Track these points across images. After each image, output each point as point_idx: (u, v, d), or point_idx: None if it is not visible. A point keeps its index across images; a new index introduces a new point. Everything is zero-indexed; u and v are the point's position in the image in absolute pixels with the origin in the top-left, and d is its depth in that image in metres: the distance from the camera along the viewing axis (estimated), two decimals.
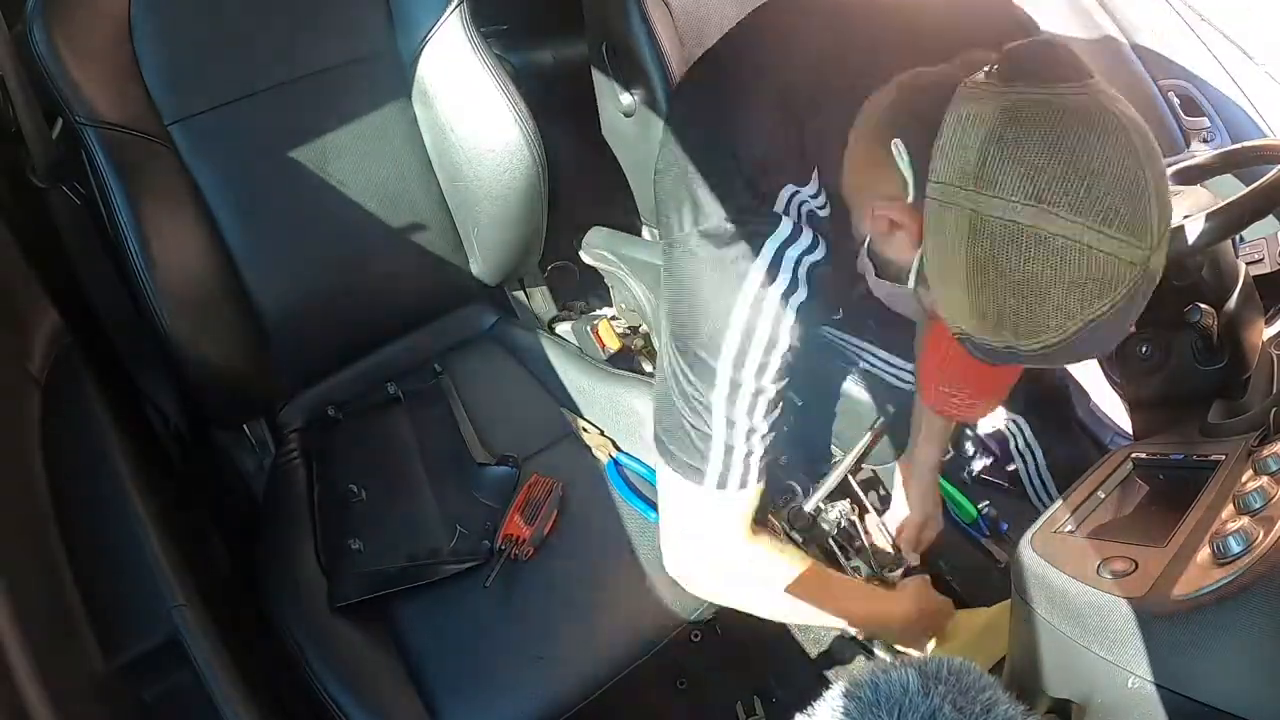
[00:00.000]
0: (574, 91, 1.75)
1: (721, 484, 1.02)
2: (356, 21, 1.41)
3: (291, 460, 1.42)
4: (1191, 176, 1.20)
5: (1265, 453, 0.81)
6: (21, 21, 1.20)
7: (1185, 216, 1.02)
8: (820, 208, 0.95)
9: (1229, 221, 0.98)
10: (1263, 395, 1.05)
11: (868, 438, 1.36)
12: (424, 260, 1.51)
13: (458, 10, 1.39)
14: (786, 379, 0.99)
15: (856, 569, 1.40)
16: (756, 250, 0.93)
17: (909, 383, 1.43)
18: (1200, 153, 1.63)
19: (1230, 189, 1.07)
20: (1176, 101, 1.71)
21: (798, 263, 0.94)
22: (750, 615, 1.19)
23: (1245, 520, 0.73)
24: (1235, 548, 0.70)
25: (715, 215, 0.95)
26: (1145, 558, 0.78)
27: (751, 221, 0.94)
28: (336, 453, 1.43)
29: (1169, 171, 1.20)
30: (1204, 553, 0.73)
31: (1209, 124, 1.68)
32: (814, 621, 1.21)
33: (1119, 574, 0.78)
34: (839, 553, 1.40)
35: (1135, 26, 1.75)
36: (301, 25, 1.38)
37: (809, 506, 1.39)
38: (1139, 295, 0.72)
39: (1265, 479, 0.77)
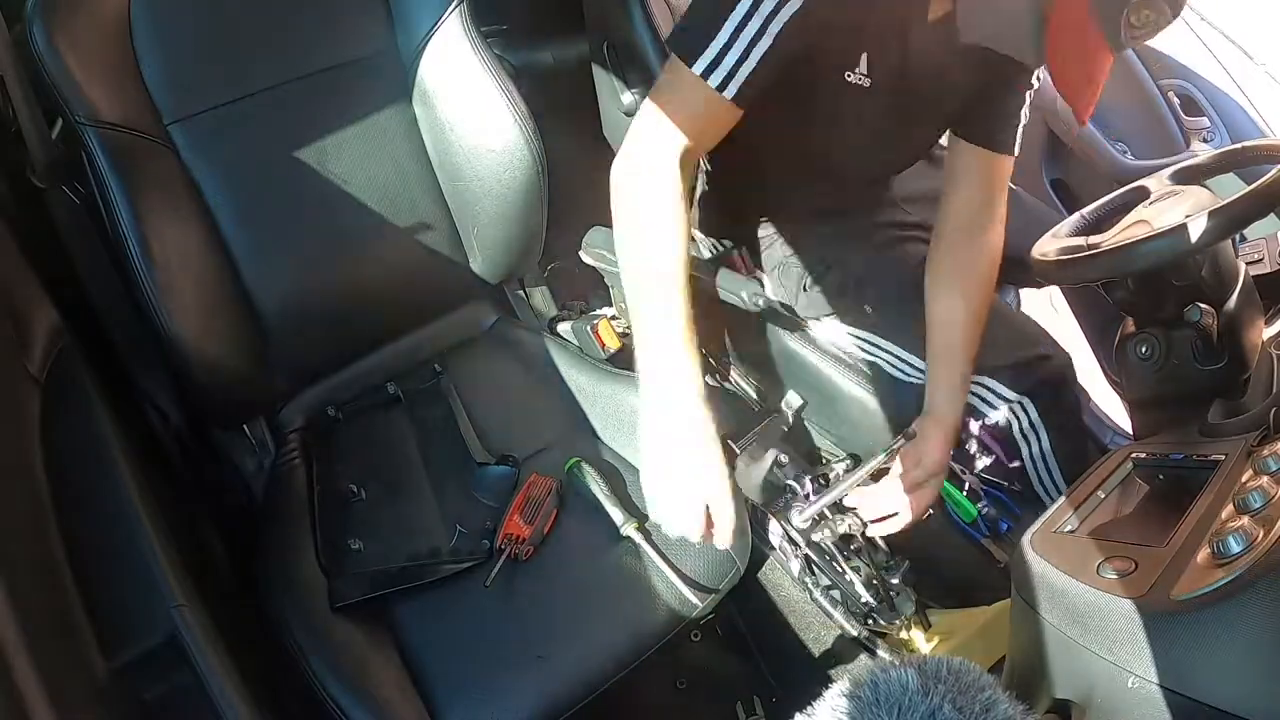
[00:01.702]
0: (574, 91, 1.75)
1: (708, 71, 1.08)
2: (356, 22, 1.41)
3: (291, 460, 1.42)
4: (1191, 176, 1.20)
5: (1265, 452, 0.81)
6: (21, 21, 1.20)
7: (1186, 216, 1.02)
8: None
9: (1229, 220, 0.98)
10: (1262, 395, 1.06)
11: (883, 456, 1.35)
12: (424, 260, 1.51)
13: (458, 10, 1.39)
14: (805, 22, 1.05)
15: (856, 569, 1.40)
16: None
17: (909, 375, 1.44)
18: (1200, 153, 1.63)
19: (1231, 188, 1.07)
20: (1176, 101, 1.72)
21: None
22: (749, 615, 1.18)
23: (1245, 520, 0.73)
24: (1235, 547, 0.70)
25: None
26: (1145, 557, 0.78)
27: None
28: (336, 453, 1.43)
29: (1169, 171, 1.21)
30: (1204, 552, 0.73)
31: (1209, 124, 1.68)
32: (640, 285, 1.12)
33: (1119, 574, 0.78)
34: (838, 555, 1.40)
35: None
36: (302, 25, 1.38)
37: (812, 511, 1.39)
38: None
39: (1265, 479, 0.77)
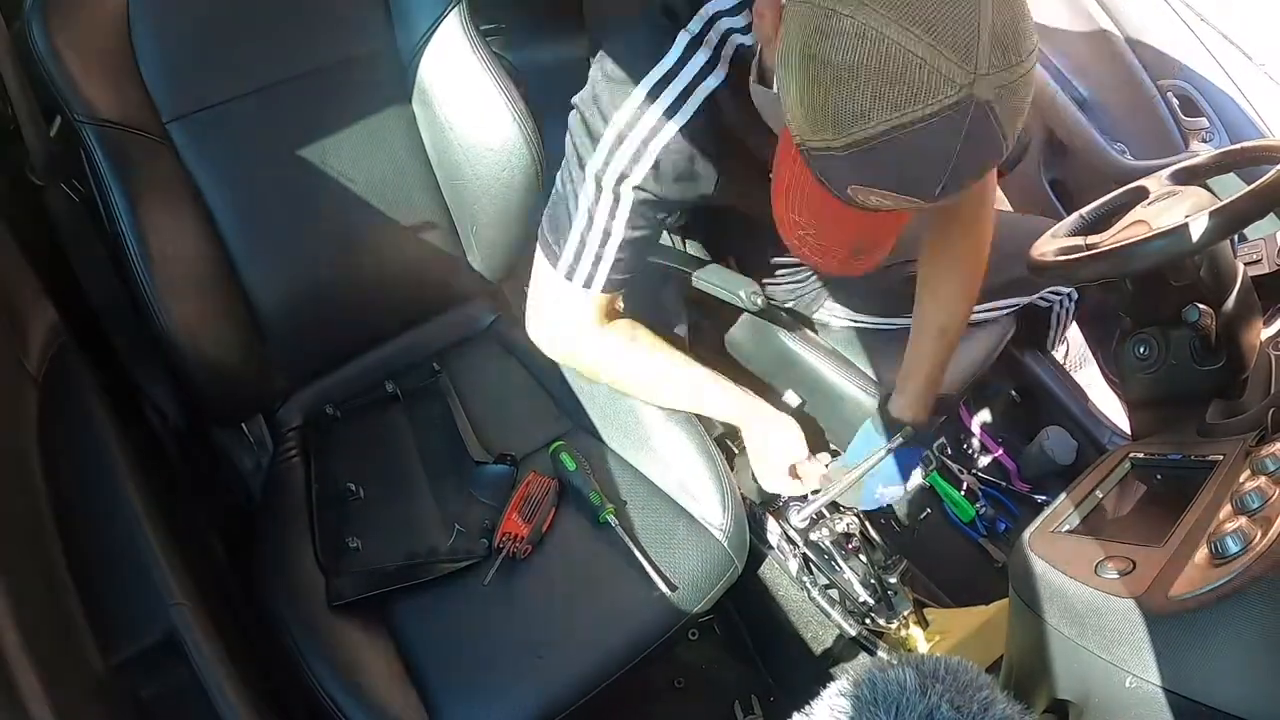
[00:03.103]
0: (573, 90, 1.74)
1: (569, 275, 1.12)
2: (355, 20, 1.41)
3: (290, 459, 1.42)
4: (1190, 176, 1.20)
5: (1263, 453, 0.81)
6: (20, 19, 1.20)
7: (1185, 216, 1.02)
8: (744, 31, 0.98)
9: (1229, 221, 0.98)
10: (1260, 395, 1.06)
11: (880, 455, 1.35)
12: (422, 258, 1.51)
13: (456, 9, 1.39)
14: (655, 208, 1.06)
15: (854, 568, 1.40)
16: (649, 66, 0.98)
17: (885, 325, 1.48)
18: (1199, 153, 1.63)
19: (1231, 188, 1.07)
20: (1176, 102, 1.72)
21: (692, 84, 0.98)
22: (747, 614, 1.19)
23: (1243, 520, 0.73)
24: (1233, 548, 0.70)
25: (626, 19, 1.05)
26: (1143, 557, 0.78)
27: (653, 32, 0.99)
28: (335, 451, 1.42)
29: (1168, 171, 1.21)
30: (1202, 552, 0.74)
31: (1208, 124, 1.68)
32: (674, 404, 1.31)
33: (1117, 573, 0.78)
34: (835, 554, 1.40)
35: (1134, 26, 1.75)
36: (301, 23, 1.38)
37: (810, 510, 1.39)
38: (965, 127, 0.70)
39: (1263, 479, 0.77)
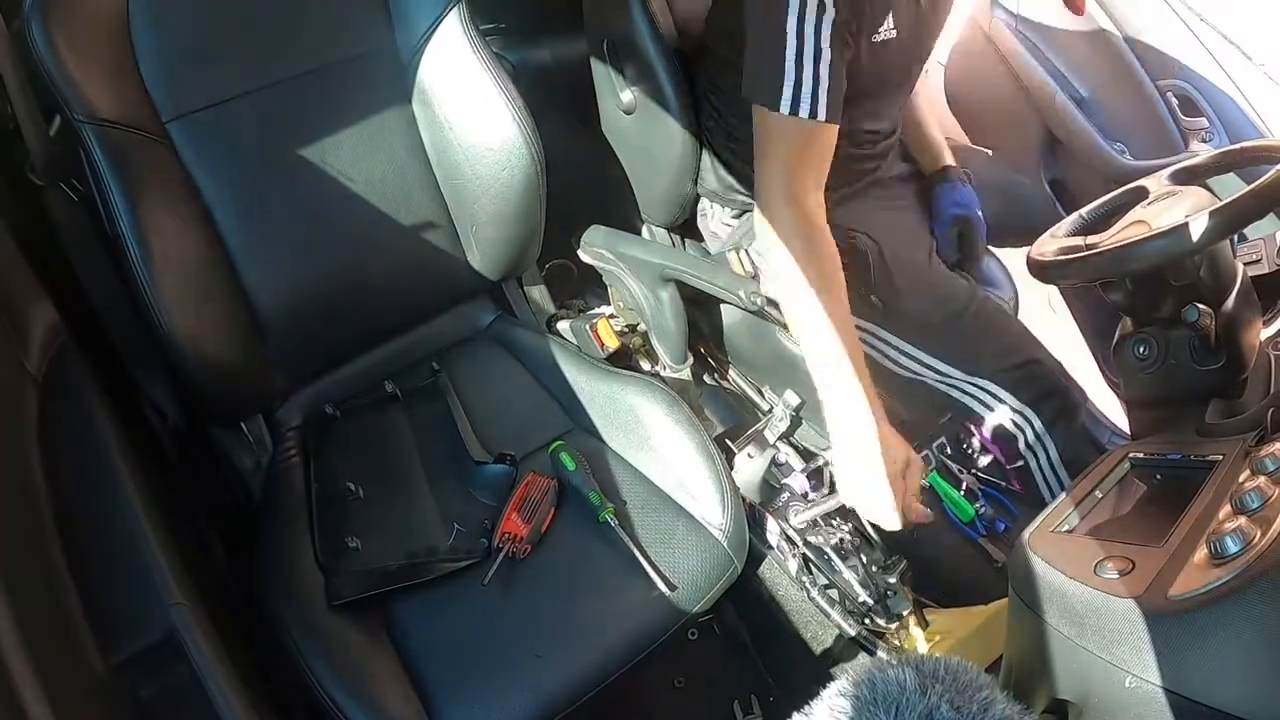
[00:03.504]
0: (573, 90, 1.75)
1: (794, 107, 1.20)
2: (355, 20, 1.41)
3: (289, 458, 1.42)
4: (1190, 176, 1.20)
5: (1263, 453, 0.81)
6: (20, 19, 1.20)
7: (1185, 216, 1.02)
8: None
9: (1228, 221, 0.98)
10: (1260, 395, 1.06)
11: None
12: (422, 258, 1.51)
13: (456, 9, 1.39)
14: (847, 22, 1.20)
15: (854, 568, 1.40)
16: None
17: (903, 368, 1.45)
18: (1199, 153, 1.63)
19: (1231, 188, 1.07)
20: (1175, 102, 1.72)
21: None
22: (747, 614, 1.19)
23: (1242, 520, 0.73)
24: (1232, 547, 0.70)
25: None
26: (1143, 557, 0.78)
27: None
28: (334, 451, 1.42)
29: (1168, 171, 1.21)
30: (1201, 552, 0.74)
31: (1208, 124, 1.68)
32: (818, 329, 1.24)
33: (1116, 573, 0.78)
34: (833, 555, 1.40)
35: (1134, 26, 1.75)
36: (301, 23, 1.38)
37: (812, 513, 1.39)
38: None
39: (1262, 479, 0.77)
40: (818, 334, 1.24)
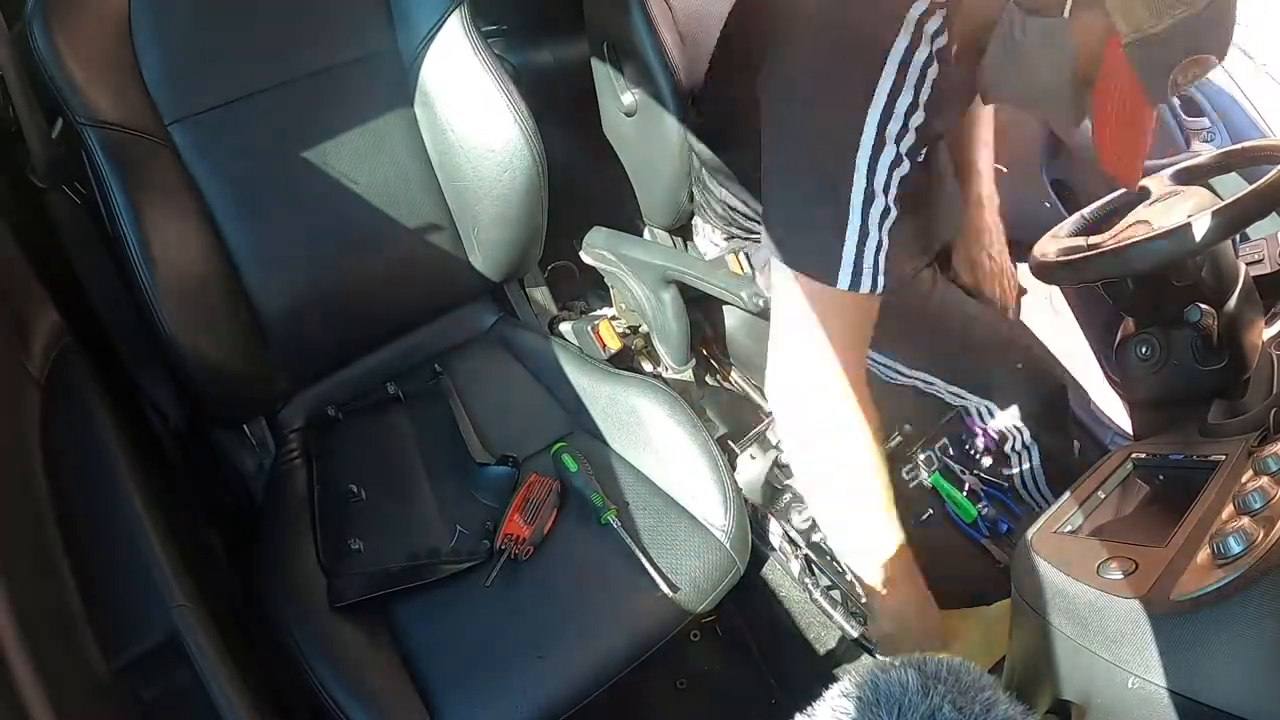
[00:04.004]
0: (574, 91, 1.75)
1: (854, 282, 1.00)
2: (357, 22, 1.41)
3: (291, 460, 1.42)
4: (1192, 176, 1.20)
5: (1265, 453, 0.81)
6: (21, 21, 1.20)
7: (1187, 216, 1.02)
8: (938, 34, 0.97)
9: (1231, 221, 0.98)
10: (1263, 395, 1.06)
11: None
12: (424, 260, 1.51)
13: (458, 11, 1.39)
14: (911, 173, 1.01)
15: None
16: (897, 27, 0.95)
17: (896, 379, 1.45)
18: (1201, 153, 1.63)
19: (1233, 188, 1.07)
20: (1176, 101, 1.72)
21: (928, 57, 0.96)
22: (749, 615, 1.18)
23: (1245, 520, 0.73)
24: (1235, 548, 0.70)
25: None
26: (1145, 558, 0.78)
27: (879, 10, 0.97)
28: (336, 452, 1.42)
29: (1169, 171, 1.21)
30: (1204, 553, 0.73)
31: (1209, 124, 1.68)
32: (853, 542, 1.15)
33: (1120, 574, 0.78)
34: (837, 555, 1.40)
35: None
36: (302, 25, 1.38)
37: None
38: None
39: (1265, 479, 0.77)
40: (862, 538, 1.13)
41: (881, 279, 1.02)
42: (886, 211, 1.00)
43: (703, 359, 1.87)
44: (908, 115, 0.97)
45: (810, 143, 1.01)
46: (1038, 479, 1.46)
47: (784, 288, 1.06)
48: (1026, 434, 1.43)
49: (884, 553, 1.12)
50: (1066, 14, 0.89)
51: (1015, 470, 1.46)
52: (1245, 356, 1.10)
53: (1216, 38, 0.86)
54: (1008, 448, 1.45)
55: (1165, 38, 0.83)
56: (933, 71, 0.97)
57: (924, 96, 0.97)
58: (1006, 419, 1.43)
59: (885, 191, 0.99)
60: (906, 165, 0.99)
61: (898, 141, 0.97)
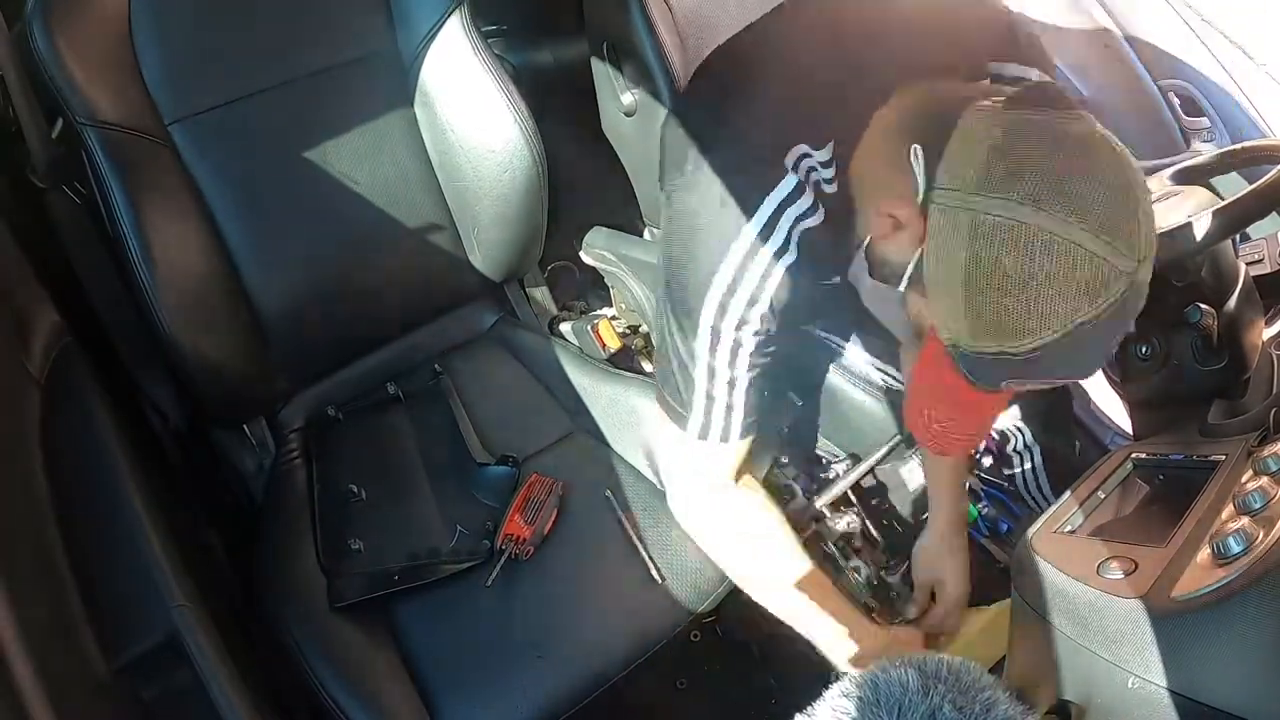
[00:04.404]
0: (574, 91, 1.75)
1: (703, 434, 1.06)
2: (357, 22, 1.41)
3: (292, 460, 1.42)
4: (1192, 176, 1.20)
5: (1265, 453, 0.81)
6: (21, 21, 1.20)
7: (1187, 216, 1.02)
8: (828, 181, 0.95)
9: (1231, 220, 0.98)
10: (1263, 395, 1.06)
11: (882, 453, 1.36)
12: (424, 260, 1.51)
13: (458, 11, 1.39)
14: (768, 343, 1.01)
15: (856, 569, 1.39)
16: (756, 205, 0.94)
17: (899, 384, 1.44)
18: (1201, 153, 1.63)
19: (1233, 188, 1.07)
20: (1176, 101, 1.71)
21: (794, 224, 0.94)
22: (751, 615, 1.19)
23: (1245, 520, 0.73)
24: (1235, 548, 0.70)
25: (723, 153, 0.97)
26: (1145, 558, 0.78)
27: (755, 169, 0.95)
28: (336, 453, 1.42)
29: (1169, 171, 1.21)
30: (1204, 553, 0.73)
31: (1209, 124, 1.68)
32: (781, 604, 1.19)
33: (1120, 574, 0.78)
34: (838, 554, 1.40)
35: (1135, 26, 1.74)
36: (302, 25, 1.38)
37: (812, 509, 1.38)
38: (1126, 308, 0.74)
39: (1265, 479, 0.77)
40: (778, 598, 1.18)
41: (735, 431, 1.06)
42: (733, 383, 1.02)
43: None
44: (748, 308, 0.97)
45: (672, 278, 1.02)
46: (1039, 480, 1.46)
47: (658, 418, 1.13)
48: (1028, 435, 1.43)
49: (812, 610, 1.16)
50: (902, 288, 0.87)
51: (1016, 471, 1.46)
52: (1245, 356, 1.10)
53: (1040, 378, 0.82)
54: (1009, 448, 1.45)
55: (987, 360, 0.78)
56: (787, 259, 0.95)
57: (768, 291, 0.96)
58: (1007, 420, 1.43)
59: (730, 366, 1.01)
60: (753, 344, 1.00)
61: (737, 330, 0.98)
